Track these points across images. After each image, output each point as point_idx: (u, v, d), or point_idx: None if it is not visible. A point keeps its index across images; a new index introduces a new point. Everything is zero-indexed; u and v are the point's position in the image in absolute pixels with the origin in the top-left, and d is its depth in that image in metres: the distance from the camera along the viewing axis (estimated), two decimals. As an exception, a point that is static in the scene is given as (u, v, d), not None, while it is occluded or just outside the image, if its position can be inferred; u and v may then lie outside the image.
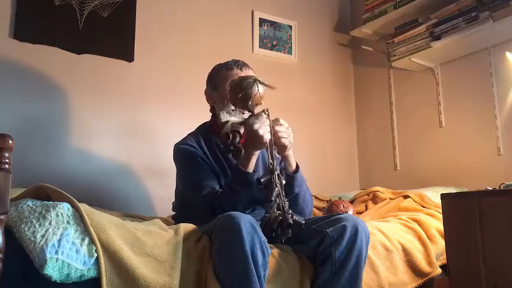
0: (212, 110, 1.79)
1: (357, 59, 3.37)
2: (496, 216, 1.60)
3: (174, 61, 2.65)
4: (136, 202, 2.41)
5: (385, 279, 1.67)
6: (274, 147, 1.50)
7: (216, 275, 1.32)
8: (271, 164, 1.44)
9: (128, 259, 1.24)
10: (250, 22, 2.97)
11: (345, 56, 3.38)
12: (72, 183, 2.15)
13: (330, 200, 2.33)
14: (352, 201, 2.46)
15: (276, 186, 1.41)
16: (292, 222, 1.36)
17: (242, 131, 1.64)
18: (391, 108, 3.08)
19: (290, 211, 1.39)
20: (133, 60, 2.51)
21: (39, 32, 2.27)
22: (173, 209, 1.85)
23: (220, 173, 1.68)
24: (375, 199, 2.40)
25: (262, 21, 3.00)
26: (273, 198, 1.39)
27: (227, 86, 1.69)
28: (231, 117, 1.52)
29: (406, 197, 2.27)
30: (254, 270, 1.28)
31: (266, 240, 1.36)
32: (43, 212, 1.24)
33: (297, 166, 1.65)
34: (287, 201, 1.41)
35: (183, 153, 1.70)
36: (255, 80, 1.49)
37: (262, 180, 1.43)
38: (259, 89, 1.49)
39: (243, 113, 1.58)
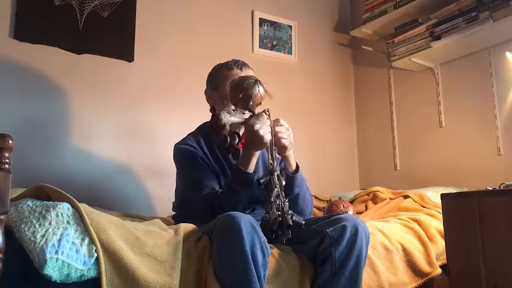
0: (212, 110, 1.79)
1: (357, 59, 3.37)
2: (496, 216, 1.60)
3: (174, 61, 2.65)
4: (136, 202, 2.41)
5: (385, 279, 1.67)
6: (274, 147, 1.50)
7: (216, 275, 1.32)
8: (271, 164, 1.44)
9: (128, 259, 1.24)
10: (250, 22, 2.97)
11: (345, 56, 3.38)
12: (72, 183, 2.15)
13: (330, 200, 2.33)
14: (352, 201, 2.46)
15: (276, 187, 1.41)
16: (292, 223, 1.36)
17: (242, 131, 1.64)
18: (391, 108, 3.08)
19: (290, 212, 1.39)
20: (133, 60, 2.52)
21: (39, 32, 2.27)
22: (173, 209, 1.85)
23: (220, 173, 1.68)
24: (375, 199, 2.40)
25: (262, 21, 3.00)
26: (272, 199, 1.39)
27: (227, 85, 1.69)
28: (232, 117, 1.52)
29: (406, 197, 2.27)
30: (254, 270, 1.28)
31: (266, 240, 1.36)
32: (43, 212, 1.24)
33: (297, 166, 1.65)
34: (287, 201, 1.42)
35: (183, 153, 1.70)
36: (256, 81, 1.49)
37: (261, 180, 1.43)
38: (260, 90, 1.49)
39: (244, 113, 1.58)
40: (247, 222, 1.31)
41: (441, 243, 1.87)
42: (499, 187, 1.79)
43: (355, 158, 3.29)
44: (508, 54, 2.46)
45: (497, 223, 1.59)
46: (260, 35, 2.98)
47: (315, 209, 2.27)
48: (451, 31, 2.49)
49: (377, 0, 2.92)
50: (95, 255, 1.22)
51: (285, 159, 1.62)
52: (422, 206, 2.16)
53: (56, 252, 1.17)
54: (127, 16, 2.52)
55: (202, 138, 1.74)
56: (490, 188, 1.77)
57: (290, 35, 3.10)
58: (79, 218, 1.27)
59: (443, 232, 1.80)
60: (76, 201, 1.30)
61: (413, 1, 2.67)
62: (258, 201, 1.64)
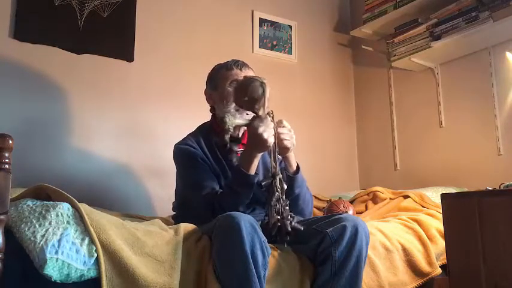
0: (212, 110, 1.79)
1: (357, 59, 3.37)
2: (496, 216, 1.60)
3: (174, 61, 2.65)
4: (136, 202, 2.41)
5: (385, 279, 1.67)
6: (276, 150, 1.50)
7: (216, 275, 1.32)
8: (273, 167, 1.44)
9: (128, 259, 1.24)
10: (250, 22, 2.97)
11: (345, 56, 3.38)
12: (72, 183, 2.15)
13: (330, 200, 2.33)
14: (352, 201, 2.46)
15: (277, 190, 1.41)
16: (290, 229, 1.36)
17: (243, 130, 1.65)
18: (391, 108, 3.08)
19: (290, 216, 1.38)
20: (133, 60, 2.52)
21: (39, 32, 2.27)
22: (173, 209, 1.85)
23: (220, 173, 1.68)
24: (375, 199, 2.40)
25: (262, 21, 3.00)
26: (272, 203, 1.38)
27: (227, 85, 1.70)
28: (236, 120, 1.51)
29: (406, 197, 2.27)
30: (254, 270, 1.28)
31: (266, 240, 1.36)
32: (43, 212, 1.24)
33: (298, 167, 1.65)
34: (287, 206, 1.41)
35: (183, 153, 1.70)
36: (262, 83, 1.49)
37: (263, 183, 1.43)
38: (266, 92, 1.49)
39: (247, 113, 1.58)
40: (247, 222, 1.31)
41: (441, 243, 1.87)
42: (499, 187, 1.79)
43: (355, 158, 3.29)
44: (508, 54, 2.46)
45: (497, 223, 1.59)
46: (260, 35, 2.98)
47: (315, 209, 2.27)
48: (451, 31, 2.49)
49: (377, 0, 2.92)
50: (95, 255, 1.22)
51: (286, 159, 1.62)
52: (422, 206, 2.16)
53: (56, 252, 1.17)
54: (127, 16, 2.52)
55: (202, 138, 1.74)
56: (490, 188, 1.77)
57: (290, 35, 3.10)
58: (79, 218, 1.27)
59: (443, 232, 1.80)
60: (76, 201, 1.30)
61: (413, 1, 2.67)
62: (258, 201, 1.64)
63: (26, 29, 2.23)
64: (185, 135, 1.79)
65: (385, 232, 1.81)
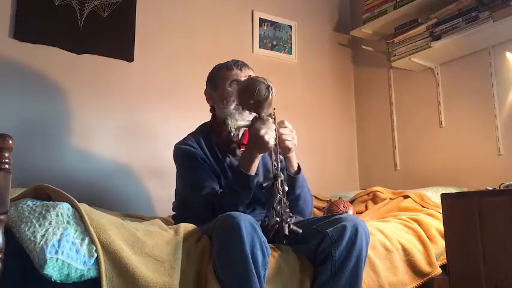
0: (212, 110, 1.79)
1: (357, 59, 3.37)
2: (496, 216, 1.60)
3: (174, 61, 2.65)
4: (136, 202, 2.41)
5: (385, 279, 1.67)
6: (278, 151, 1.50)
7: (216, 275, 1.32)
8: (275, 169, 1.44)
9: (128, 259, 1.24)
10: (250, 22, 2.97)
11: (345, 56, 3.38)
12: (72, 183, 2.15)
13: (330, 200, 2.33)
14: (352, 201, 2.46)
15: (279, 192, 1.41)
16: (287, 233, 1.36)
17: (243, 130, 1.65)
18: (391, 108, 3.08)
19: (289, 219, 1.38)
20: (133, 60, 2.52)
21: (39, 32, 2.27)
22: (173, 209, 1.85)
23: (220, 173, 1.68)
24: (375, 199, 2.40)
25: (262, 21, 3.00)
26: (273, 205, 1.38)
27: (227, 85, 1.70)
28: (238, 121, 1.51)
29: (406, 197, 2.27)
30: (254, 270, 1.28)
31: (266, 240, 1.36)
32: (43, 212, 1.24)
33: (299, 167, 1.65)
34: (288, 206, 1.41)
35: (183, 153, 1.70)
36: (268, 86, 1.48)
37: (264, 185, 1.43)
38: (272, 96, 1.48)
39: (250, 113, 1.58)
40: (247, 222, 1.31)
41: (441, 243, 1.87)
42: (499, 187, 1.79)
43: (355, 158, 3.29)
44: (508, 54, 2.46)
45: (497, 223, 1.59)
46: (260, 35, 2.98)
47: (315, 209, 2.27)
48: (451, 31, 2.49)
49: (377, 0, 2.92)
50: (95, 255, 1.22)
51: (287, 159, 1.63)
52: (422, 206, 2.16)
53: (56, 252, 1.17)
54: (127, 16, 2.52)
55: (203, 138, 1.74)
56: (490, 188, 1.77)
57: (290, 35, 3.10)
58: (79, 218, 1.27)
59: (443, 232, 1.80)
60: (76, 201, 1.30)
61: (413, 1, 2.67)
62: (258, 201, 1.64)
63: (26, 29, 2.23)
64: (185, 135, 1.79)
65: (385, 232, 1.80)
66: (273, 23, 3.04)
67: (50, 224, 1.21)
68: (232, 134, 1.64)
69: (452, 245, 1.73)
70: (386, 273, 1.69)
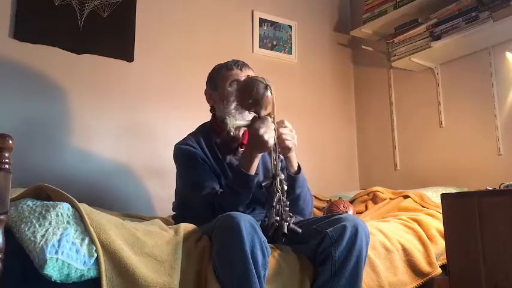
0: (212, 110, 1.79)
1: (357, 59, 3.37)
2: (496, 216, 1.60)
3: (174, 61, 2.65)
4: (136, 202, 2.41)
5: (385, 279, 1.67)
6: (278, 149, 1.50)
7: (216, 275, 1.32)
8: (274, 168, 1.44)
9: (128, 259, 1.24)
10: (250, 22, 2.97)
11: (345, 56, 3.38)
12: (72, 183, 2.15)
13: (330, 200, 2.33)
14: (352, 201, 2.46)
15: (278, 191, 1.41)
16: (286, 232, 1.36)
17: (243, 130, 1.65)
18: (391, 108, 3.08)
19: (289, 218, 1.38)
20: (133, 60, 2.52)
21: (39, 32, 2.27)
22: (173, 209, 1.85)
23: (220, 173, 1.68)
24: (375, 199, 2.40)
25: (262, 21, 3.00)
26: (273, 204, 1.39)
27: (227, 85, 1.70)
28: (237, 121, 1.52)
29: (406, 197, 2.27)
30: (254, 270, 1.28)
31: (266, 240, 1.36)
32: (43, 212, 1.24)
33: (299, 167, 1.65)
34: (287, 208, 1.41)
35: (183, 153, 1.70)
36: (267, 86, 1.48)
37: (263, 184, 1.43)
38: (270, 95, 1.49)
39: (249, 113, 1.58)
40: (247, 222, 1.31)
41: (441, 243, 1.87)
42: (499, 187, 1.79)
43: (355, 158, 3.29)
44: (508, 54, 2.46)
45: (497, 223, 1.59)
46: (260, 35, 2.98)
47: (315, 209, 2.27)
48: (451, 31, 2.49)
49: (377, 0, 2.92)
50: (95, 255, 1.22)
51: (287, 159, 1.63)
52: (422, 206, 2.16)
53: (56, 252, 1.17)
54: (127, 16, 2.52)
55: (203, 138, 1.74)
56: (490, 188, 1.77)
57: (290, 35, 3.10)
58: (79, 218, 1.27)
59: (443, 232, 1.80)
60: (76, 201, 1.30)
61: (413, 1, 2.67)
62: (258, 201, 1.64)
63: (26, 29, 2.23)
64: (185, 135, 1.79)
65: (385, 232, 1.80)
66: (273, 23, 3.04)
67: (50, 224, 1.21)
68: (232, 133, 1.63)
69: (452, 245, 1.73)
70: (386, 273, 1.69)
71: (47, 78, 2.28)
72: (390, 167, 3.04)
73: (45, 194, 1.38)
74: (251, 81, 1.52)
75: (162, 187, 2.43)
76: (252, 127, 1.50)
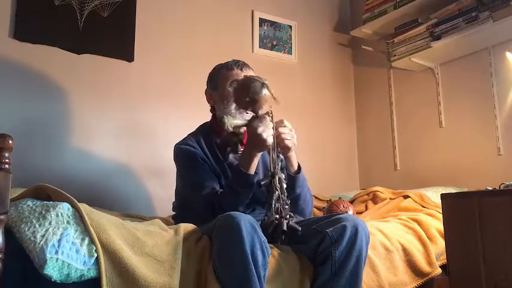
0: (212, 110, 1.79)
1: (357, 59, 3.37)
2: (496, 216, 1.60)
3: (174, 61, 2.65)
4: (136, 202, 2.41)
5: (385, 279, 1.67)
6: (278, 149, 1.50)
7: (216, 275, 1.32)
8: (273, 167, 1.44)
9: (128, 259, 1.24)
10: (250, 22, 2.97)
11: (345, 56, 3.38)
12: (72, 183, 2.15)
13: (330, 200, 2.33)
14: (352, 201, 2.46)
15: (277, 190, 1.41)
16: (286, 229, 1.36)
17: (243, 130, 1.65)
18: (391, 108, 3.08)
19: (289, 216, 1.38)
20: (133, 60, 2.52)
21: (39, 32, 2.27)
22: (173, 209, 1.85)
23: (220, 173, 1.68)
24: (375, 199, 2.40)
25: (262, 21, 3.00)
26: (272, 202, 1.39)
27: (228, 85, 1.70)
28: (235, 120, 1.52)
29: (406, 197, 2.27)
30: (254, 270, 1.28)
31: (266, 240, 1.36)
32: (43, 212, 1.24)
33: (299, 167, 1.65)
34: (287, 205, 1.41)
35: (183, 153, 1.70)
36: (263, 84, 1.49)
37: (262, 182, 1.43)
38: (266, 93, 1.49)
39: (246, 113, 1.58)
40: (247, 222, 1.31)
41: (441, 243, 1.87)
42: (499, 187, 1.79)
43: (355, 158, 3.29)
44: (508, 54, 2.46)
45: (497, 223, 1.59)
46: (260, 35, 2.98)
47: (315, 209, 2.27)
48: (451, 31, 2.49)
49: (377, 0, 2.92)
50: (95, 255, 1.22)
51: (287, 159, 1.63)
52: (422, 206, 2.16)
53: (56, 252, 1.17)
54: (127, 16, 2.52)
55: (203, 138, 1.74)
56: (490, 188, 1.77)
57: (290, 35, 3.10)
58: (79, 218, 1.26)
59: (443, 232, 1.80)
60: (76, 201, 1.30)
61: (413, 1, 2.67)
62: (258, 201, 1.64)
63: (26, 29, 2.23)
64: (185, 135, 1.79)
65: (385, 232, 1.80)
66: (273, 23, 3.04)
67: (50, 224, 1.21)
68: (229, 131, 1.63)
69: (452, 245, 1.73)
70: (387, 273, 1.69)
71: (47, 78, 2.28)
72: (390, 167, 3.04)
73: (45, 194, 1.38)
74: (247, 80, 1.53)
75: (162, 187, 2.43)
76: (250, 126, 1.50)
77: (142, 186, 2.46)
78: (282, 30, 3.07)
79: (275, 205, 1.39)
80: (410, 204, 2.18)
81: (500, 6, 2.31)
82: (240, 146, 1.70)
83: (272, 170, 1.44)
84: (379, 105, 3.16)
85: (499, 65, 2.50)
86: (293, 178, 1.61)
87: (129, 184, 2.42)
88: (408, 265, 1.78)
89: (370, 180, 3.11)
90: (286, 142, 1.54)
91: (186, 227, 1.46)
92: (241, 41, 2.91)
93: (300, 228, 1.39)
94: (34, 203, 1.29)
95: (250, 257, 1.28)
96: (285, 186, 1.44)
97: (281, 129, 1.54)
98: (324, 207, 2.27)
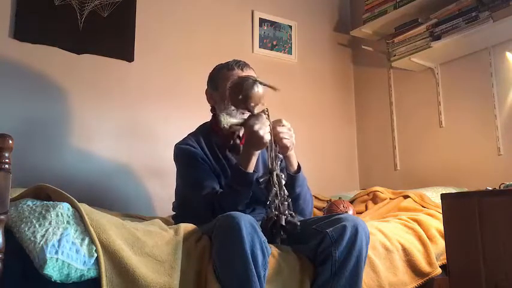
0: (213, 110, 1.79)
1: (357, 59, 3.37)
2: (496, 216, 1.60)
3: (174, 61, 2.65)
4: (136, 202, 2.41)
5: (385, 279, 1.67)
6: (275, 147, 1.50)
7: (216, 275, 1.32)
8: (271, 164, 1.44)
9: (128, 259, 1.24)
10: (250, 22, 2.97)
11: (345, 56, 3.38)
12: (72, 183, 2.15)
13: (330, 200, 2.33)
14: (352, 201, 2.46)
15: (274, 186, 1.41)
16: (284, 224, 1.36)
17: (242, 132, 1.65)
18: (391, 108, 3.08)
19: (287, 211, 1.39)
20: (133, 60, 2.52)
21: (39, 32, 2.27)
22: (173, 209, 1.85)
23: (220, 173, 1.68)
24: (375, 199, 2.40)
25: (262, 21, 3.00)
26: (270, 199, 1.39)
27: (228, 85, 1.69)
28: (231, 118, 1.52)
29: (406, 197, 2.27)
30: (254, 270, 1.28)
31: (266, 240, 1.36)
32: (43, 212, 1.24)
33: (299, 166, 1.65)
34: (286, 202, 1.41)
35: (183, 153, 1.70)
36: (255, 81, 1.50)
37: (261, 180, 1.43)
38: (259, 90, 1.49)
39: (243, 113, 1.58)
40: (247, 222, 1.31)
41: (441, 243, 1.87)
42: (499, 187, 1.79)
43: (355, 158, 3.29)
44: (508, 54, 2.46)
45: (497, 223, 1.59)
46: (260, 35, 2.98)
47: (315, 209, 2.27)
48: (451, 31, 2.49)
49: (377, 0, 2.92)
50: (95, 255, 1.22)
51: (286, 159, 1.63)
52: (422, 206, 2.16)
53: (56, 252, 1.17)
54: (127, 16, 2.52)
55: (203, 138, 1.75)
56: (490, 188, 1.77)
57: (290, 35, 3.10)
58: (79, 218, 1.27)
59: (443, 232, 1.80)
60: (76, 201, 1.30)
61: (413, 1, 2.67)
62: (258, 201, 1.64)
63: (26, 29, 2.23)
64: (185, 135, 1.79)
65: (385, 232, 1.80)
66: (273, 23, 3.04)
67: (50, 224, 1.21)
68: (226, 127, 1.63)
69: (452, 245, 1.73)
70: (386, 273, 1.69)
71: (47, 78, 2.28)
72: (390, 167, 3.04)
73: (45, 194, 1.38)
74: (240, 79, 1.55)
75: (162, 187, 2.43)
76: (247, 124, 1.50)
77: (142, 186, 2.46)
78: (282, 30, 3.07)
79: (274, 202, 1.39)
80: (410, 204, 2.18)
81: (500, 6, 2.31)
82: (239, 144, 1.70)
83: (270, 166, 1.44)
84: (379, 105, 3.16)
85: (499, 65, 2.50)
86: (293, 178, 1.61)
87: (129, 184, 2.42)
88: (408, 265, 1.78)
89: (370, 180, 3.11)
90: (285, 141, 1.54)
91: (186, 227, 1.46)
92: (241, 41, 2.91)
93: (298, 223, 1.39)
94: (34, 203, 1.29)
95: (250, 257, 1.28)
96: (283, 182, 1.44)
97: (279, 129, 1.54)
98: (324, 207, 2.27)
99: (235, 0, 2.93)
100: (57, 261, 1.16)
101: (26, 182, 1.71)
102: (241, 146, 1.71)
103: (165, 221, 1.74)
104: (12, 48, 2.20)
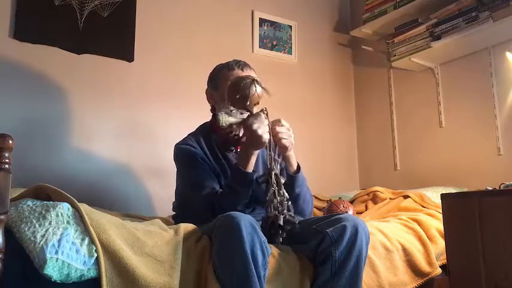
0: (213, 110, 1.79)
1: (357, 59, 3.37)
2: (496, 216, 1.60)
3: (174, 61, 2.65)
4: (136, 202, 2.41)
5: (385, 279, 1.67)
6: (274, 147, 1.50)
7: (216, 275, 1.32)
8: (269, 163, 1.44)
9: (128, 259, 1.24)
10: (250, 22, 2.97)
11: (345, 56, 3.38)
12: (72, 183, 2.15)
13: (330, 200, 2.33)
14: (352, 201, 2.46)
15: (273, 186, 1.41)
16: (282, 223, 1.36)
17: (242, 131, 1.65)
18: (391, 108, 3.08)
19: (286, 211, 1.38)
20: (133, 60, 2.52)
21: (39, 32, 2.27)
22: (173, 209, 1.85)
23: (220, 173, 1.68)
24: (375, 199, 2.40)
25: (262, 21, 3.00)
26: (268, 198, 1.39)
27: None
28: (230, 118, 1.52)
29: (406, 197, 2.27)
30: (254, 270, 1.28)
31: (266, 240, 1.36)
32: (43, 212, 1.24)
33: (298, 166, 1.65)
34: (285, 198, 1.41)
35: (183, 153, 1.70)
36: (253, 80, 1.50)
37: (260, 179, 1.43)
38: (257, 89, 1.49)
39: (242, 113, 1.58)
40: (247, 222, 1.31)
41: (441, 243, 1.87)
42: (499, 187, 1.79)
43: (355, 158, 3.29)
44: (508, 54, 2.46)
45: (497, 223, 1.59)
46: (260, 35, 2.98)
47: (315, 209, 2.27)
48: (451, 31, 2.49)
49: (377, 0, 2.92)
50: (95, 255, 1.22)
51: (286, 159, 1.62)
52: (422, 206, 2.16)
53: (56, 252, 1.17)
54: (127, 16, 2.52)
55: (203, 138, 1.75)
56: (490, 188, 1.77)
57: (290, 35, 3.10)
58: (79, 218, 1.26)
59: (443, 232, 1.80)
60: (76, 201, 1.30)
61: (413, 1, 2.67)
62: (258, 201, 1.64)
63: (26, 29, 2.23)
64: (185, 135, 1.79)
65: (385, 232, 1.81)
66: (273, 23, 3.04)
67: (50, 224, 1.21)
68: (224, 125, 1.62)
69: (452, 245, 1.73)
70: (386, 273, 1.69)
71: (47, 78, 2.28)
72: (390, 167, 3.04)
73: (45, 194, 1.38)
74: (238, 79, 1.55)
75: (162, 187, 2.43)
76: (246, 124, 1.50)
77: (142, 186, 2.46)
78: (282, 30, 3.07)
79: (273, 201, 1.39)
80: (410, 204, 2.18)
81: (500, 6, 2.31)
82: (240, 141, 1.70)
83: (268, 166, 1.44)
84: (379, 105, 3.16)
85: (499, 65, 2.50)
86: (292, 178, 1.61)
87: (129, 184, 2.42)
88: (408, 265, 1.78)
89: (370, 180, 3.11)
90: (284, 141, 1.54)
91: (186, 227, 1.46)
92: (241, 41, 2.91)
93: (297, 222, 1.39)
94: (34, 203, 1.29)
95: (250, 257, 1.28)
96: (282, 181, 1.43)
97: (278, 129, 1.53)
98: (324, 207, 2.27)
99: (235, 0, 2.93)
100: (57, 261, 1.16)
101: (26, 182, 1.71)
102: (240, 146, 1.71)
103: (165, 221, 1.74)
104: (12, 48, 2.20)
